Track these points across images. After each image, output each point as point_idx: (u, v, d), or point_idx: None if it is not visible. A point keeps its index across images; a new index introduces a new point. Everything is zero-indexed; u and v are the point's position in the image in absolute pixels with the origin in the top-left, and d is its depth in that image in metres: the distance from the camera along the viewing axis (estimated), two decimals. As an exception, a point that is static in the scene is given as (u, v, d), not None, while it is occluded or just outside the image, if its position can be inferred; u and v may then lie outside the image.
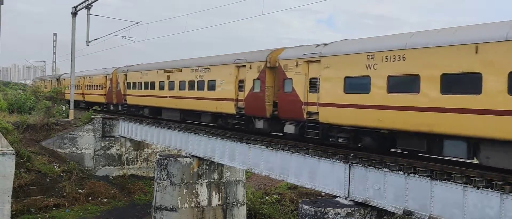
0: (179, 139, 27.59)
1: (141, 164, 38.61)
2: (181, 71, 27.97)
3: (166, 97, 29.80)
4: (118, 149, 37.72)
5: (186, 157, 25.99)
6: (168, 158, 25.63)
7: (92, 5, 41.45)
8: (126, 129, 35.94)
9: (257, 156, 20.69)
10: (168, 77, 29.57)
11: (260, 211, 30.07)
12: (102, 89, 43.28)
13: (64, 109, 45.72)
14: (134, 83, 35.63)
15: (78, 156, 36.30)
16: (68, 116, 41.30)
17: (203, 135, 24.95)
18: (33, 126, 36.74)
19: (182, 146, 27.28)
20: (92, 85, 46.64)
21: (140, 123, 33.26)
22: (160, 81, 30.78)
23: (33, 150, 33.90)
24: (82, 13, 43.80)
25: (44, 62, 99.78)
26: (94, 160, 36.78)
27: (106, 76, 42.16)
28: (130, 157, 38.22)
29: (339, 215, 14.89)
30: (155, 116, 33.30)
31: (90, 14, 41.66)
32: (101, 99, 44.00)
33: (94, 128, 36.90)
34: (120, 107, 39.28)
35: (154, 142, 31.94)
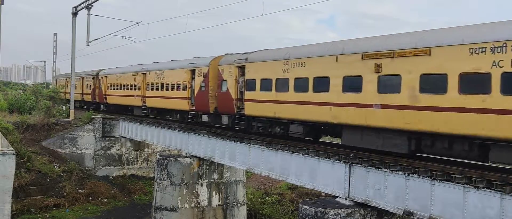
0: (179, 139, 27.59)
1: (141, 164, 38.67)
2: (429, 53, 13.78)
3: (364, 106, 16.06)
4: (118, 149, 37.77)
5: (186, 157, 26.01)
6: (168, 158, 25.65)
7: (92, 5, 41.56)
8: (126, 129, 35.96)
9: (257, 156, 20.69)
10: (378, 68, 15.56)
11: (260, 211, 30.11)
12: (183, 90, 28.91)
13: (64, 109, 45.66)
14: (263, 81, 21.50)
15: (78, 156, 36.37)
16: (68, 116, 41.35)
17: (203, 135, 24.93)
18: (33, 126, 36.83)
19: (182, 146, 27.28)
20: (161, 84, 32.25)
21: (140, 123, 33.24)
22: (345, 76, 16.81)
23: (33, 150, 33.94)
24: (83, 13, 43.92)
25: (45, 62, 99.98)
26: (94, 160, 36.83)
27: (193, 71, 28.00)
28: (130, 157, 38.27)
29: (339, 216, 14.89)
30: (310, 137, 20.26)
31: (91, 14, 41.76)
32: (183, 105, 29.10)
33: (94, 128, 36.96)
34: (226, 119, 24.75)
35: (154, 142, 31.93)
